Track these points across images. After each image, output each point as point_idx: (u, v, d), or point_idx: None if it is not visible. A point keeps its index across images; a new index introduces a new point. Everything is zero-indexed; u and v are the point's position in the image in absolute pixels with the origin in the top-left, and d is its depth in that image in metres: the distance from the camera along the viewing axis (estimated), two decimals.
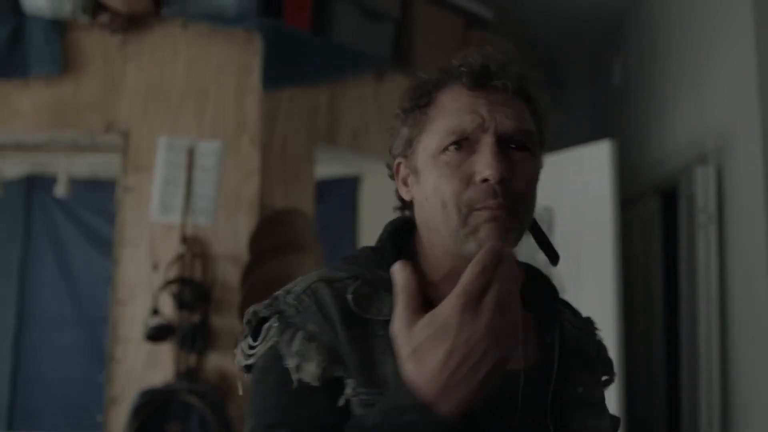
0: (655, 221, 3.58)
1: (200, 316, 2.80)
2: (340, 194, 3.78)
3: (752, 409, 2.54)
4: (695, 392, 2.85)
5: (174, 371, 2.78)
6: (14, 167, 3.42)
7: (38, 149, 3.19)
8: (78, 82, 3.05)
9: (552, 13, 4.16)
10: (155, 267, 2.89)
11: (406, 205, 0.98)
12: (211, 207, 2.87)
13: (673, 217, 3.23)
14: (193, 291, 2.80)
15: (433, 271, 0.94)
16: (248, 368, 0.90)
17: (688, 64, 3.22)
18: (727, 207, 2.75)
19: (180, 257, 2.84)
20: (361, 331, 0.87)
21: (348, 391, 0.84)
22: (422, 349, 0.71)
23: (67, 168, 3.23)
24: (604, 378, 1.02)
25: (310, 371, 0.84)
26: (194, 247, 2.87)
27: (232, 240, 2.89)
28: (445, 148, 0.89)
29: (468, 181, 0.87)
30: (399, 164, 0.97)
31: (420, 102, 0.92)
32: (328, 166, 3.44)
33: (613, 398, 1.02)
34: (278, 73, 2.95)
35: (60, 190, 3.20)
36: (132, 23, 3.01)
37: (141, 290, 2.88)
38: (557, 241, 3.04)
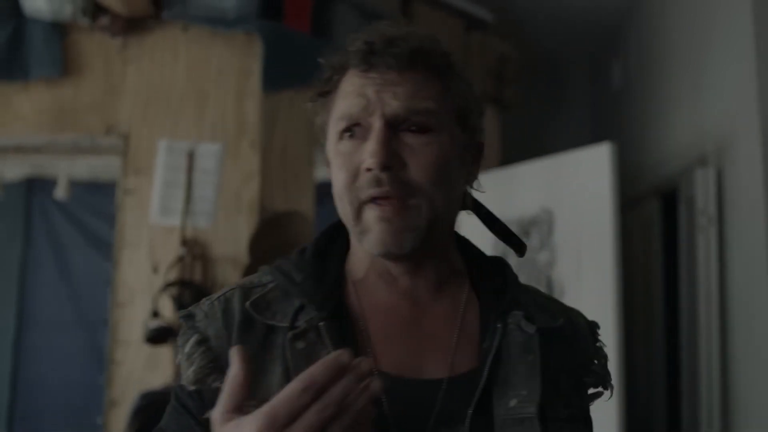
0: (655, 223, 3.58)
1: None
2: None
3: (752, 410, 2.54)
4: (695, 392, 2.85)
5: (174, 373, 2.78)
6: (14, 169, 3.42)
7: (38, 151, 3.19)
8: (78, 84, 3.05)
9: (552, 15, 4.16)
10: (155, 269, 2.89)
11: None
12: (211, 209, 2.87)
13: (673, 219, 3.24)
14: (193, 293, 2.79)
15: (354, 268, 0.89)
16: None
17: (688, 66, 3.22)
18: (727, 209, 2.75)
19: (180, 260, 2.84)
20: (261, 339, 0.82)
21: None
22: None
23: (67, 170, 3.23)
24: (592, 391, 0.90)
25: (188, 376, 0.83)
26: (194, 250, 2.87)
27: (232, 242, 2.88)
28: (340, 137, 0.83)
29: (357, 171, 0.80)
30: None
31: (325, 88, 0.87)
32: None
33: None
34: (278, 75, 2.95)
35: (60, 193, 3.20)
36: (132, 26, 3.01)
37: (141, 292, 2.88)
38: (557, 243, 3.06)
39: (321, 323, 0.81)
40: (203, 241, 2.89)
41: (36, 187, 3.46)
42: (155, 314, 2.76)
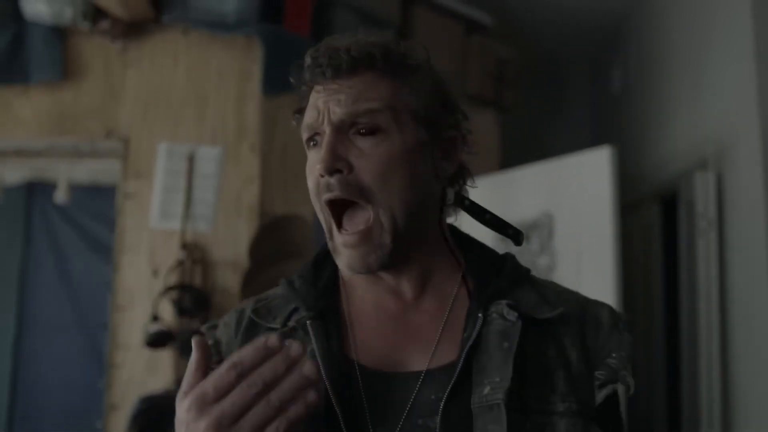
0: (655, 227, 3.58)
1: (200, 323, 2.79)
2: None
3: (752, 410, 2.54)
4: (695, 392, 2.85)
5: (174, 378, 2.77)
6: (14, 173, 3.42)
7: (39, 155, 3.19)
8: (78, 88, 3.06)
9: (552, 19, 4.17)
10: (155, 273, 2.89)
11: None
12: (211, 213, 2.87)
13: (673, 223, 3.24)
14: (193, 297, 2.79)
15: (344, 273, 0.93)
16: None
17: (688, 69, 3.22)
18: (727, 212, 2.75)
19: (180, 263, 2.84)
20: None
21: None
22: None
23: (67, 174, 3.23)
24: (599, 383, 0.87)
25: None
26: (194, 254, 2.87)
27: (232, 246, 2.88)
28: (307, 147, 0.88)
29: (317, 178, 0.85)
30: None
31: (299, 105, 0.91)
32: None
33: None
34: (278, 79, 2.95)
35: (60, 196, 3.20)
36: (132, 30, 3.02)
37: (141, 296, 2.88)
38: (557, 246, 3.06)
39: (308, 322, 0.86)
40: (203, 244, 2.89)
41: (36, 190, 3.46)
42: (155, 318, 2.76)
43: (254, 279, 2.78)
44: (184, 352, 2.76)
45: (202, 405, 0.69)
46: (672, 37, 3.46)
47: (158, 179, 2.89)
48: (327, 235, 0.87)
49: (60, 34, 3.03)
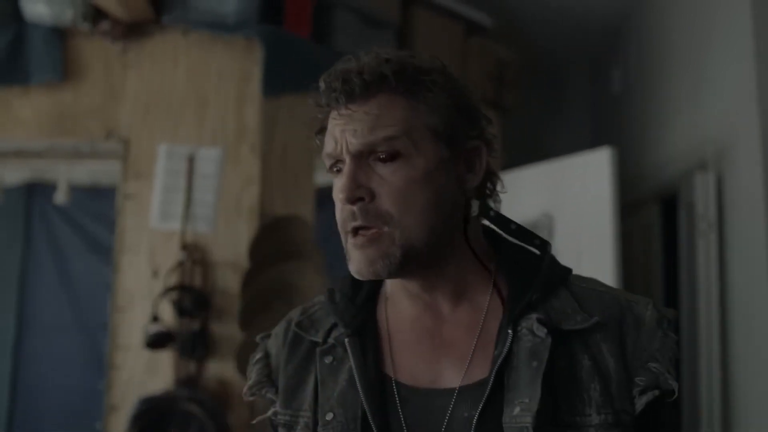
0: (655, 227, 3.58)
1: (200, 324, 2.79)
2: None
3: (752, 410, 2.54)
4: (695, 392, 2.85)
5: (174, 379, 2.77)
6: (14, 174, 3.42)
7: (39, 156, 3.19)
8: (78, 89, 3.05)
9: (551, 20, 4.17)
10: (155, 274, 2.89)
11: None
12: (211, 214, 2.87)
13: (673, 223, 3.24)
14: (193, 298, 2.79)
15: (388, 286, 0.95)
16: None
17: (688, 70, 3.22)
18: (727, 213, 2.75)
19: (180, 264, 2.84)
20: (305, 354, 0.92)
21: (273, 409, 0.93)
22: None
23: (67, 175, 3.23)
24: (639, 389, 0.84)
25: (245, 389, 0.96)
26: (194, 254, 2.87)
27: (232, 247, 2.88)
28: (331, 173, 0.89)
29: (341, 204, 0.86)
30: None
31: (319, 126, 0.92)
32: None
33: None
34: (278, 80, 2.95)
35: (60, 197, 3.20)
36: (132, 31, 3.02)
37: (141, 297, 2.88)
38: (557, 247, 3.05)
39: (346, 339, 0.88)
40: (203, 245, 2.89)
41: (36, 191, 3.46)
42: (155, 319, 2.76)
43: (254, 279, 2.78)
44: (184, 353, 2.76)
45: None
46: (672, 37, 3.46)
47: (158, 180, 2.89)
48: (344, 242, 0.88)
49: (60, 34, 3.03)
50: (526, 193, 3.19)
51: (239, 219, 2.91)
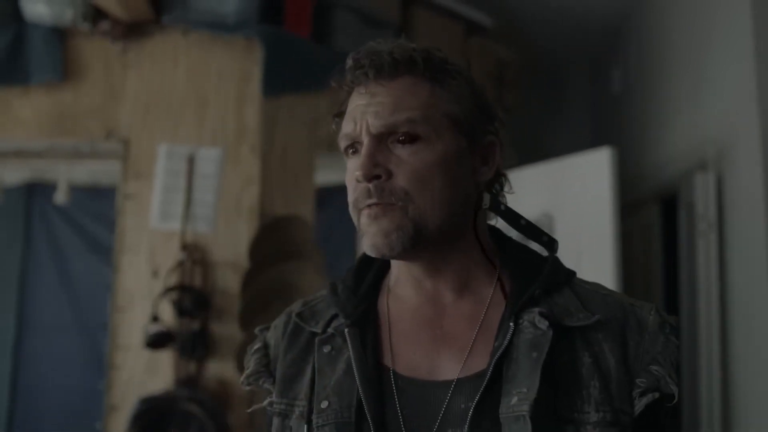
0: (655, 227, 3.58)
1: (200, 324, 2.79)
2: (341, 201, 3.77)
3: (752, 410, 2.54)
4: (695, 392, 2.85)
5: (174, 379, 2.77)
6: (14, 174, 3.42)
7: (39, 156, 3.19)
8: (78, 89, 3.06)
9: (552, 20, 4.17)
10: (155, 274, 2.89)
11: None
12: (211, 214, 2.87)
13: (673, 223, 3.24)
14: (193, 298, 2.79)
15: (392, 276, 0.96)
16: None
17: (688, 70, 3.22)
18: (727, 213, 2.75)
19: (180, 264, 2.84)
20: (304, 345, 0.93)
21: (269, 399, 0.93)
22: None
23: (67, 175, 3.23)
24: (639, 390, 0.84)
25: (243, 378, 0.97)
26: (194, 254, 2.87)
27: (232, 247, 2.88)
28: (346, 155, 0.90)
29: (356, 184, 0.87)
30: None
31: (339, 110, 0.92)
32: (328, 173, 3.44)
33: None
34: (278, 80, 2.95)
35: (60, 197, 3.20)
36: (132, 31, 3.02)
37: (141, 297, 2.88)
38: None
39: (346, 329, 0.88)
40: (203, 245, 2.89)
41: (36, 191, 3.47)
42: (155, 319, 2.76)
43: (254, 279, 2.78)
44: (184, 353, 2.76)
45: None
46: (672, 37, 3.46)
47: (158, 180, 2.89)
48: (358, 228, 0.88)
49: (60, 34, 3.03)
50: (526, 193, 3.18)
51: (239, 219, 2.91)
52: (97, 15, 2.97)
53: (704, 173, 2.85)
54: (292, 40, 3.01)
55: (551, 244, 0.93)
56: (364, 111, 0.86)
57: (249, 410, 0.99)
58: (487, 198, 0.91)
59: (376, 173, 0.84)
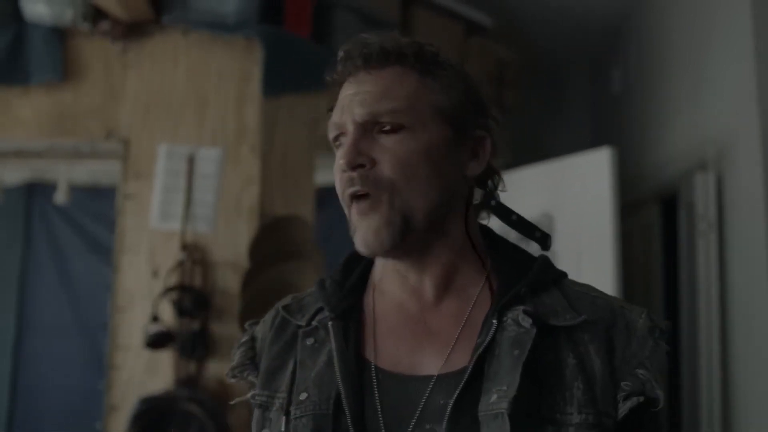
0: (655, 227, 3.58)
1: (200, 324, 2.79)
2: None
3: (752, 410, 2.54)
4: (695, 392, 2.85)
5: (174, 379, 2.77)
6: (14, 174, 3.42)
7: (39, 156, 3.19)
8: (78, 89, 3.05)
9: (552, 20, 4.17)
10: (155, 274, 2.89)
11: None
12: (211, 214, 2.87)
13: (673, 223, 3.24)
14: (193, 298, 2.79)
15: (377, 270, 0.95)
16: None
17: (688, 70, 3.22)
18: (727, 213, 2.75)
19: (180, 264, 2.84)
20: (289, 338, 0.93)
21: (252, 391, 0.93)
22: None
23: (67, 175, 3.23)
24: (624, 394, 0.83)
25: (228, 370, 0.97)
26: (194, 254, 2.87)
27: (232, 247, 2.88)
28: (334, 145, 0.91)
29: (341, 173, 0.87)
30: None
31: (332, 105, 0.93)
32: (328, 173, 3.44)
33: None
34: (278, 80, 2.95)
35: (60, 197, 3.20)
36: (132, 31, 3.02)
37: (141, 297, 2.88)
38: (557, 247, 3.06)
39: (330, 322, 0.88)
40: (203, 245, 2.89)
41: (36, 191, 3.46)
42: (155, 319, 2.76)
43: (254, 279, 2.78)
44: (184, 353, 2.76)
45: None
46: (672, 37, 3.46)
47: (158, 180, 2.89)
48: (350, 226, 0.88)
49: (60, 34, 3.03)
50: (526, 193, 3.18)
51: (239, 219, 2.91)
52: (97, 15, 2.97)
53: (704, 173, 2.85)
54: (292, 40, 3.01)
55: (544, 239, 0.93)
56: (351, 100, 0.86)
57: (232, 402, 1.00)
58: (478, 193, 0.90)
59: (359, 162, 0.84)
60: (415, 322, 0.89)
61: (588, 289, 0.92)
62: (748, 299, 2.58)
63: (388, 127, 0.85)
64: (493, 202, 0.91)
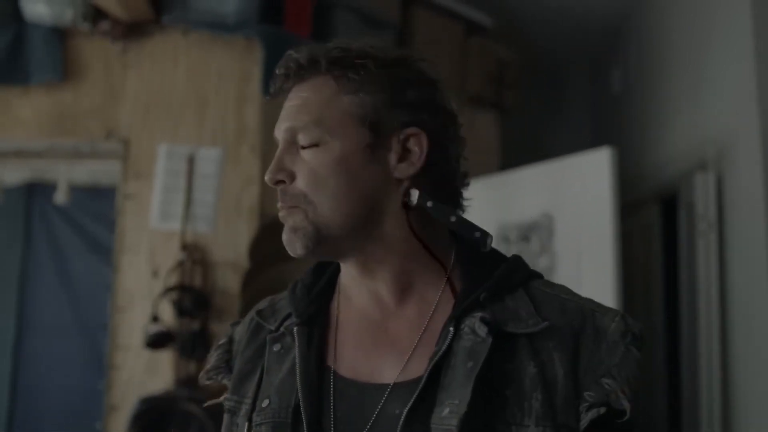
0: (655, 227, 3.58)
1: (200, 324, 2.79)
2: None
3: (753, 410, 2.54)
4: (695, 392, 2.85)
5: (174, 379, 2.77)
6: (14, 174, 3.41)
7: (38, 156, 3.19)
8: (78, 89, 3.06)
9: (552, 20, 4.17)
10: (155, 274, 2.89)
11: None
12: (211, 214, 2.87)
13: (673, 223, 3.24)
14: (193, 298, 2.79)
15: (342, 277, 0.94)
16: None
17: (688, 70, 3.22)
18: (727, 213, 2.75)
19: (180, 264, 2.84)
20: (261, 341, 0.93)
21: (224, 395, 0.93)
22: None
23: (67, 175, 3.23)
24: (586, 404, 0.79)
25: (202, 373, 0.98)
26: (194, 255, 2.87)
27: (232, 247, 2.88)
28: None
29: None
30: None
31: None
32: None
33: None
34: None
35: (60, 197, 3.20)
36: (132, 31, 3.02)
37: (141, 297, 2.88)
38: (557, 247, 3.06)
39: (295, 328, 0.88)
40: (203, 245, 2.89)
41: (36, 191, 3.46)
42: (155, 319, 2.76)
43: (254, 280, 2.78)
44: (184, 353, 2.76)
45: None
46: (672, 37, 3.46)
47: (158, 180, 2.89)
48: None
49: (60, 34, 3.03)
50: (526, 193, 3.19)
51: (239, 219, 2.91)
52: (97, 15, 2.97)
53: (704, 173, 2.85)
54: (293, 40, 3.01)
55: (484, 239, 0.86)
56: (281, 115, 0.90)
57: (205, 405, 1.01)
58: (414, 194, 0.86)
59: (278, 178, 0.88)
60: (376, 329, 0.87)
61: (561, 291, 0.87)
62: (748, 299, 2.58)
63: (304, 144, 0.86)
64: (429, 203, 0.86)
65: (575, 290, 0.89)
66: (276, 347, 0.89)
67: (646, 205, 3.67)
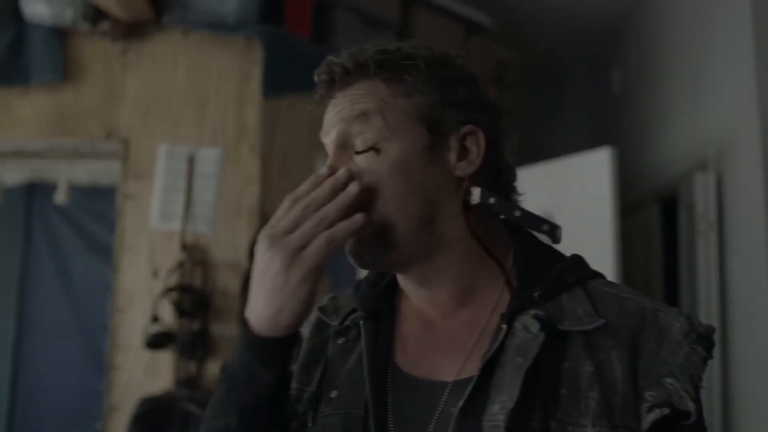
0: (655, 227, 3.58)
1: (200, 324, 2.79)
2: None
3: (752, 410, 2.54)
4: None
5: (174, 379, 2.77)
6: (14, 174, 3.41)
7: (39, 156, 3.19)
8: (78, 89, 3.06)
9: (552, 20, 4.17)
10: (155, 274, 2.89)
11: None
12: (211, 214, 2.87)
13: (673, 223, 3.24)
14: (193, 298, 2.79)
15: (400, 278, 0.93)
16: None
17: (688, 71, 3.22)
18: (727, 213, 2.75)
19: (180, 265, 2.84)
20: (323, 336, 0.93)
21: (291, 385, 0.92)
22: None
23: (67, 175, 3.23)
24: (648, 404, 0.76)
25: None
26: (194, 255, 2.87)
27: (232, 247, 2.88)
28: None
29: None
30: None
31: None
32: None
33: None
34: (278, 80, 2.95)
35: (60, 197, 3.20)
36: (132, 31, 3.02)
37: (141, 298, 2.88)
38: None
39: (361, 322, 0.88)
40: (203, 246, 2.89)
41: (36, 191, 3.46)
42: (155, 319, 2.76)
43: None
44: (184, 353, 2.76)
45: (266, 229, 0.79)
46: (672, 37, 3.46)
47: (158, 180, 2.89)
48: None
49: (60, 35, 3.03)
50: (526, 193, 3.18)
51: (239, 219, 2.91)
52: (97, 15, 2.97)
53: (704, 173, 2.85)
54: (293, 40, 3.01)
55: (553, 232, 0.88)
56: (327, 122, 0.86)
57: None
58: (476, 193, 0.85)
59: None
60: (434, 328, 0.88)
61: (621, 290, 0.87)
62: (748, 299, 2.58)
63: (359, 148, 0.83)
64: (492, 200, 0.86)
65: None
66: (340, 340, 0.90)
67: (646, 205, 3.67)
